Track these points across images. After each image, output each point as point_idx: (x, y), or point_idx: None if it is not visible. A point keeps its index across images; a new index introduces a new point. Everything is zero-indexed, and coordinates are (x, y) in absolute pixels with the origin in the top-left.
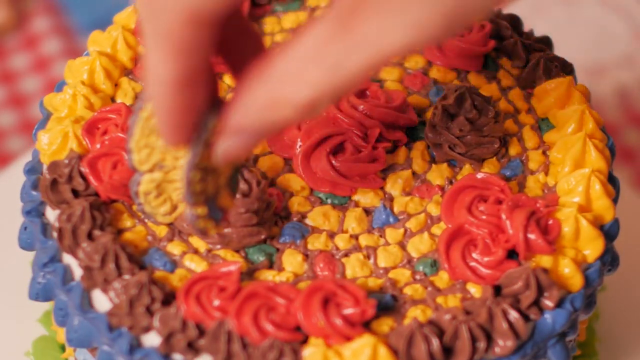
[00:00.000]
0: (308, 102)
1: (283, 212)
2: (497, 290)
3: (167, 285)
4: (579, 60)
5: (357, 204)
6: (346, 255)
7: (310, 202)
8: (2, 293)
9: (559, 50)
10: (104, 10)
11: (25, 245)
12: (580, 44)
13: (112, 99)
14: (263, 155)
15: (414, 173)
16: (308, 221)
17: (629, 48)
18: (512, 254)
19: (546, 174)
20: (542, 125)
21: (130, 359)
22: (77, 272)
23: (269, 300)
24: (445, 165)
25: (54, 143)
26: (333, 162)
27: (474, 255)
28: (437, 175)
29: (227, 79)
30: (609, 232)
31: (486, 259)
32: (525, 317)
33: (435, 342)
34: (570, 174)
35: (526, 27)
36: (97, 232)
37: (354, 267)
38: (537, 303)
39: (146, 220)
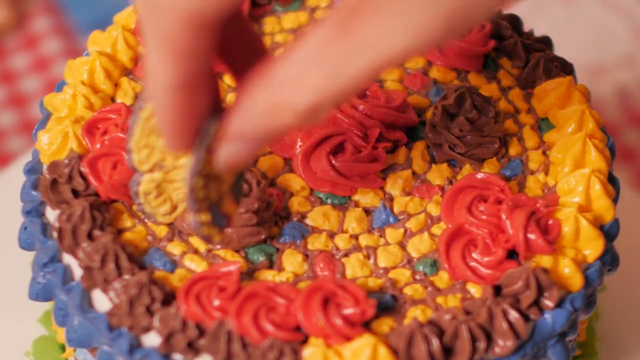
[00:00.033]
0: (309, 107)
1: (283, 212)
2: (497, 290)
3: (167, 285)
4: (579, 60)
5: (357, 204)
6: (346, 255)
7: (310, 202)
8: (2, 293)
9: (559, 50)
10: (104, 10)
11: (25, 245)
12: (580, 44)
13: (112, 99)
14: (263, 155)
15: (414, 173)
16: (308, 221)
17: (629, 48)
18: (512, 254)
19: (546, 174)
20: (542, 125)
21: (130, 359)
22: (77, 272)
23: (269, 300)
24: (445, 165)
25: (54, 143)
26: (333, 162)
27: (474, 255)
28: (437, 175)
29: (227, 79)
30: (609, 232)
31: (486, 259)
32: (525, 317)
33: (435, 342)
34: (570, 174)
35: (526, 27)
36: (97, 232)
37: (354, 267)
38: (537, 303)
39: (146, 220)
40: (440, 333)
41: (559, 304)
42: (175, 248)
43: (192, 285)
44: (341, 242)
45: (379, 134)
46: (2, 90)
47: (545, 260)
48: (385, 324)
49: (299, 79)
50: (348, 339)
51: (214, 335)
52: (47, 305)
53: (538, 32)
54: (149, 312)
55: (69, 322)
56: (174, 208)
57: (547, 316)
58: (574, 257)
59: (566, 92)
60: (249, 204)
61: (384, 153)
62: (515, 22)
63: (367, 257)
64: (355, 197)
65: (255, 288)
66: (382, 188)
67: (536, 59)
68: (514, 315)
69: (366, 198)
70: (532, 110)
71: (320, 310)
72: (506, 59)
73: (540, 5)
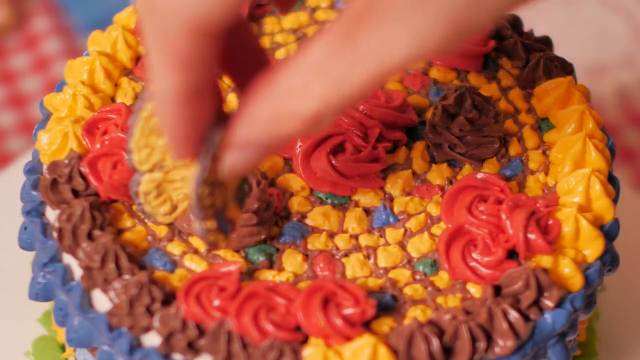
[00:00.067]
0: (314, 115)
1: (283, 212)
2: (497, 290)
3: (167, 285)
4: (579, 60)
5: (357, 204)
6: (346, 255)
7: (310, 202)
8: (2, 293)
9: (559, 50)
10: (104, 10)
11: (25, 245)
12: (580, 44)
13: (112, 99)
14: None
15: (414, 173)
16: (308, 221)
17: (629, 48)
18: (512, 254)
19: (546, 174)
20: (542, 125)
21: (130, 359)
22: (77, 272)
23: (269, 300)
24: (445, 165)
25: (54, 143)
26: (333, 162)
27: (474, 255)
28: (437, 175)
29: (227, 80)
30: (609, 232)
31: (486, 259)
32: (525, 317)
33: (435, 342)
34: (570, 174)
35: (526, 27)
36: (97, 232)
37: (354, 267)
38: (537, 303)
39: (146, 220)
40: (440, 333)
41: (559, 304)
42: (175, 248)
43: (192, 285)
44: (341, 242)
45: (379, 134)
46: (2, 90)
47: (545, 260)
48: (385, 324)
49: (303, 87)
50: (348, 339)
51: (214, 335)
52: (47, 305)
53: (538, 32)
54: (149, 312)
55: (69, 322)
56: (174, 208)
57: (547, 316)
58: (574, 257)
59: (566, 92)
60: (249, 204)
61: (384, 153)
62: (515, 22)
63: (367, 257)
64: (355, 197)
65: (255, 288)
66: (382, 188)
67: (536, 59)
68: (514, 315)
69: (366, 198)
70: (532, 110)
71: (320, 310)
72: (506, 59)
73: (540, 5)
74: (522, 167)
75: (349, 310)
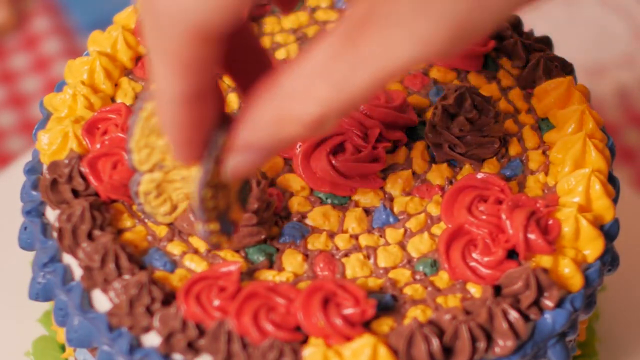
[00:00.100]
0: (316, 119)
1: (283, 212)
2: (497, 290)
3: (167, 285)
4: (579, 60)
5: (357, 204)
6: (346, 255)
7: (310, 202)
8: (2, 293)
9: (559, 50)
10: (104, 10)
11: (25, 245)
12: (580, 44)
13: (112, 99)
14: None
15: (414, 173)
16: (308, 221)
17: (629, 48)
18: (512, 254)
19: (546, 174)
20: (542, 125)
21: (130, 359)
22: (77, 272)
23: (269, 300)
24: (445, 165)
25: (54, 143)
26: (333, 162)
27: (474, 255)
28: (437, 175)
29: (227, 80)
30: (609, 232)
31: (486, 259)
32: (525, 317)
33: (435, 342)
34: (570, 174)
35: (526, 27)
36: (97, 232)
37: (354, 267)
38: (537, 303)
39: (146, 220)
40: (440, 333)
41: (559, 304)
42: (175, 248)
43: (192, 285)
44: (341, 242)
45: (379, 134)
46: (2, 90)
47: (545, 260)
48: (385, 324)
49: (305, 91)
50: (348, 339)
51: (214, 335)
52: (47, 305)
53: (538, 32)
54: (149, 312)
55: (69, 322)
56: (174, 208)
57: (547, 316)
58: (574, 257)
59: (566, 92)
60: (249, 203)
61: (384, 153)
62: (515, 22)
63: (367, 257)
64: (355, 197)
65: (255, 288)
66: (382, 188)
67: (536, 59)
68: (514, 315)
69: (366, 198)
70: (532, 110)
71: (320, 310)
72: (506, 59)
73: (540, 5)
74: (522, 167)
75: (349, 310)
